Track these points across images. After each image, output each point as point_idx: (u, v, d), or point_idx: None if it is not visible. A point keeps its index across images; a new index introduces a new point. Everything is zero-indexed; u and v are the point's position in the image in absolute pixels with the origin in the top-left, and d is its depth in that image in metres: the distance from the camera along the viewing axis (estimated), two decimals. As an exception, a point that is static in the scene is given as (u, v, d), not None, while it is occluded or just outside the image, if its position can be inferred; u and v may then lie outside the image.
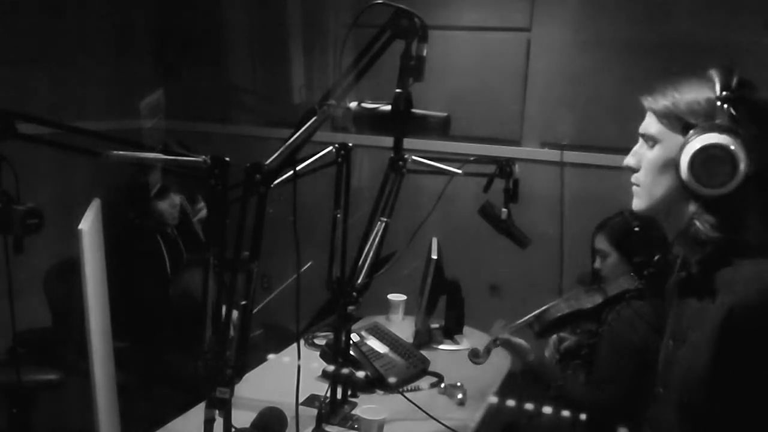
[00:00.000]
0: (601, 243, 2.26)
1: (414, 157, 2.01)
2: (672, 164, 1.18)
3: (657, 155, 1.24)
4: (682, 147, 1.16)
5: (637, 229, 2.13)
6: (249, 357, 1.57)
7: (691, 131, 1.16)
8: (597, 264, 2.28)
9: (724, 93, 1.15)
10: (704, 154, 1.13)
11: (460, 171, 2.13)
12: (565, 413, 2.07)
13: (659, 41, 3.33)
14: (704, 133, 1.14)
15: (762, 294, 1.11)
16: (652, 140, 1.26)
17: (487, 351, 2.20)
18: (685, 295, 1.28)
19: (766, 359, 1.10)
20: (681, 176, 1.16)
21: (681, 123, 1.19)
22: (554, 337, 2.36)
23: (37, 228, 1.27)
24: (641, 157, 1.28)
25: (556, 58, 3.58)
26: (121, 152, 1.34)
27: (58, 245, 2.55)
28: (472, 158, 2.24)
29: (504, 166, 2.21)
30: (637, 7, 3.41)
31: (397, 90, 1.68)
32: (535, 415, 2.21)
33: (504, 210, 2.25)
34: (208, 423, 1.48)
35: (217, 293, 1.45)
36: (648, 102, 1.26)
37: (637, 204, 1.30)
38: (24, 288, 1.73)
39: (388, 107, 1.73)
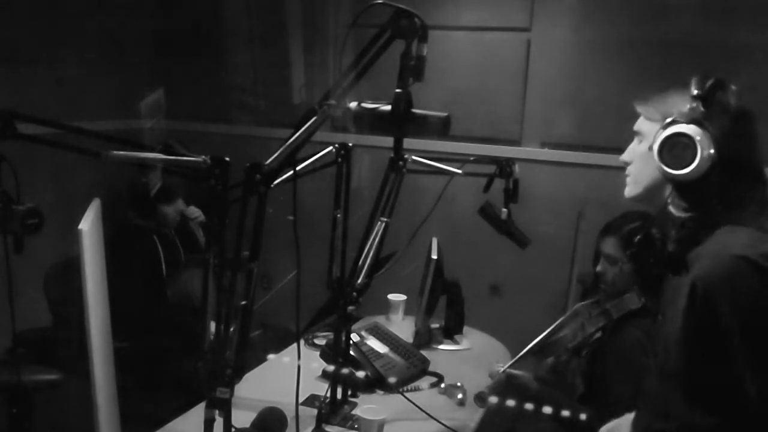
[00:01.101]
0: (612, 248, 2.18)
1: (414, 157, 2.01)
2: (651, 156, 1.34)
3: (641, 149, 1.45)
4: (655, 136, 1.33)
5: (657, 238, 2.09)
6: (249, 357, 1.57)
7: (666, 122, 1.33)
8: (601, 268, 2.23)
9: (696, 92, 1.31)
10: (671, 140, 1.30)
11: (460, 171, 2.13)
12: (565, 413, 2.07)
13: (659, 41, 3.33)
14: (675, 124, 1.31)
15: (717, 266, 1.23)
16: (640, 136, 1.46)
17: (492, 392, 2.15)
18: (668, 272, 1.41)
19: (725, 326, 1.21)
20: (656, 162, 1.32)
21: (662, 119, 1.36)
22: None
23: (37, 228, 1.27)
24: (633, 152, 1.48)
25: (556, 58, 3.58)
26: (121, 152, 1.34)
27: (58, 245, 2.55)
28: (472, 158, 2.23)
29: (504, 166, 2.21)
30: (637, 7, 3.41)
31: (397, 90, 1.67)
32: (535, 415, 2.20)
33: (504, 210, 2.25)
34: (208, 423, 1.48)
35: (217, 293, 1.45)
36: (640, 107, 1.47)
37: (628, 191, 1.49)
38: (24, 288, 1.73)
39: (388, 107, 1.73)
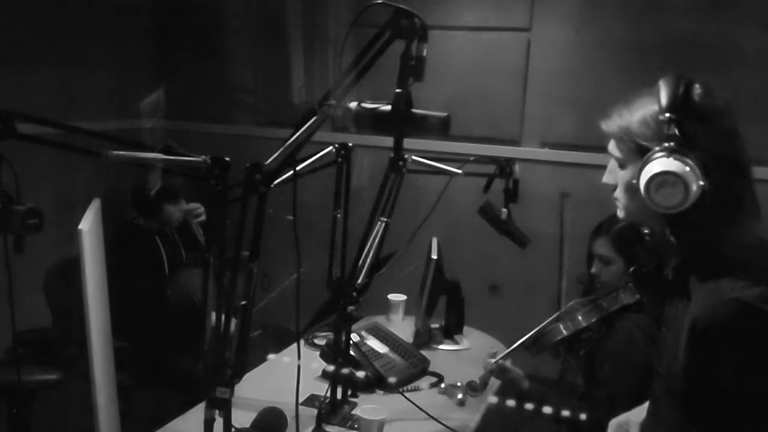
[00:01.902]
0: (604, 248, 2.19)
1: (414, 157, 2.01)
2: (636, 188, 1.23)
3: (625, 177, 1.32)
4: (638, 173, 1.22)
5: (648, 237, 2.10)
6: (249, 357, 1.57)
7: (644, 157, 1.21)
8: (595, 269, 2.22)
9: (668, 111, 1.20)
10: (657, 179, 1.19)
11: (460, 171, 2.13)
12: (565, 413, 2.07)
13: (659, 41, 3.33)
14: (655, 159, 1.19)
15: (716, 309, 1.18)
16: (619, 161, 1.33)
17: (484, 384, 2.14)
18: (669, 293, 1.37)
19: (726, 368, 1.18)
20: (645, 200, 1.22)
21: (636, 146, 1.26)
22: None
23: (37, 228, 1.27)
24: (615, 176, 1.35)
25: (556, 58, 3.58)
26: (121, 152, 1.34)
27: (58, 245, 2.56)
28: (472, 158, 2.23)
29: (504, 166, 2.21)
30: (637, 7, 3.41)
31: (397, 90, 1.67)
32: (535, 415, 2.20)
33: (504, 210, 2.25)
34: (208, 423, 1.48)
35: (217, 293, 1.45)
36: (606, 125, 1.33)
37: (620, 215, 1.38)
38: (24, 288, 1.73)
39: (388, 107, 1.73)
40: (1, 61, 3.36)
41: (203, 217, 3.27)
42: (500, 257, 3.51)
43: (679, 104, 1.20)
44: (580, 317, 2.09)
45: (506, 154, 2.84)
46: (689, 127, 1.19)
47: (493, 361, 2.15)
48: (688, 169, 1.17)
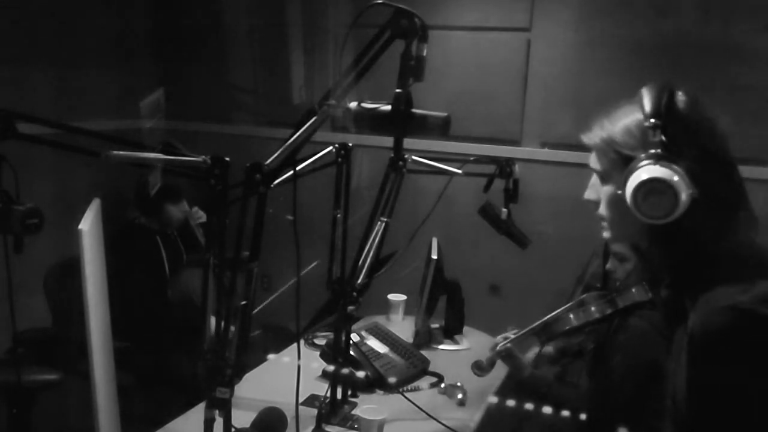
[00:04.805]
0: (621, 246, 2.19)
1: (414, 157, 2.01)
2: (622, 200, 1.18)
3: (608, 192, 1.26)
4: (624, 183, 1.17)
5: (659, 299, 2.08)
6: (249, 357, 1.57)
7: (629, 166, 1.17)
8: (610, 266, 2.21)
9: (652, 118, 1.16)
10: (644, 187, 1.14)
11: (460, 171, 2.13)
12: (565, 413, 2.07)
13: (660, 41, 3.33)
14: (641, 167, 1.15)
15: (711, 318, 1.12)
16: (601, 175, 1.27)
17: (491, 364, 2.14)
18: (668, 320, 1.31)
19: (726, 379, 1.12)
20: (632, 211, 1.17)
21: (620, 156, 1.21)
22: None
23: (37, 228, 1.27)
24: (598, 190, 1.29)
25: (556, 58, 3.58)
26: (121, 152, 1.34)
27: (58, 245, 2.55)
28: (472, 158, 2.23)
29: (504, 166, 2.21)
30: (637, 7, 3.41)
31: (397, 90, 1.68)
32: (535, 415, 2.20)
33: (504, 210, 2.25)
34: (208, 423, 1.48)
35: (217, 293, 1.45)
36: (587, 138, 1.28)
37: (607, 236, 1.31)
38: (24, 288, 1.73)
39: (388, 107, 1.73)
40: (1, 61, 3.36)
41: (203, 219, 3.27)
42: (500, 257, 3.50)
43: (663, 111, 1.16)
44: (592, 308, 2.10)
45: (506, 154, 2.84)
46: (674, 134, 1.15)
47: (502, 344, 2.15)
48: (676, 177, 1.13)
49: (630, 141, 1.20)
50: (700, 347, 1.13)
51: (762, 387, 1.11)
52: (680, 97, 1.19)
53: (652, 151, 1.15)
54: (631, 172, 1.16)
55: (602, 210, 1.29)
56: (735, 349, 1.11)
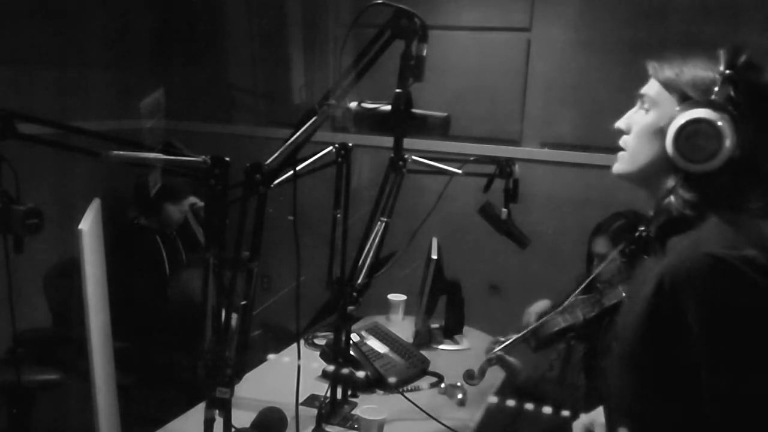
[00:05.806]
0: (603, 247, 2.22)
1: (414, 157, 2.01)
2: (660, 133, 1.18)
3: (649, 121, 1.23)
4: (672, 117, 1.16)
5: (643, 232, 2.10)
6: (249, 357, 1.57)
7: (685, 103, 1.16)
8: (596, 264, 2.26)
9: (727, 72, 1.15)
10: (692, 127, 1.13)
11: (460, 171, 2.13)
12: (565, 413, 2.07)
13: (659, 41, 3.33)
14: (697, 107, 1.14)
15: (687, 261, 1.10)
16: (649, 102, 1.24)
17: (482, 372, 2.14)
18: (642, 254, 1.29)
19: (687, 323, 1.09)
20: (666, 146, 1.16)
21: (679, 94, 1.20)
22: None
23: (37, 228, 1.27)
24: (633, 121, 1.27)
25: (556, 58, 3.58)
26: (121, 152, 1.34)
27: (58, 245, 2.56)
28: (472, 158, 2.23)
29: (504, 166, 2.21)
30: (637, 7, 3.40)
31: (397, 90, 1.68)
32: (535, 416, 2.20)
33: (504, 210, 2.25)
34: (208, 423, 1.48)
35: (217, 293, 1.45)
36: (653, 69, 1.26)
37: (619, 168, 1.29)
38: (24, 288, 1.73)
39: (388, 107, 1.73)
40: (1, 61, 3.36)
41: (200, 204, 3.26)
42: (500, 257, 3.50)
43: (742, 68, 1.15)
44: (578, 311, 2.11)
45: (506, 154, 2.84)
46: (741, 96, 1.14)
47: (494, 351, 2.15)
48: (728, 130, 1.11)
49: (698, 84, 1.18)
50: (667, 289, 1.11)
51: (718, 346, 1.08)
52: (756, 66, 1.18)
53: (714, 97, 1.14)
54: (685, 109, 1.15)
55: (630, 138, 1.26)
56: (703, 296, 1.08)
